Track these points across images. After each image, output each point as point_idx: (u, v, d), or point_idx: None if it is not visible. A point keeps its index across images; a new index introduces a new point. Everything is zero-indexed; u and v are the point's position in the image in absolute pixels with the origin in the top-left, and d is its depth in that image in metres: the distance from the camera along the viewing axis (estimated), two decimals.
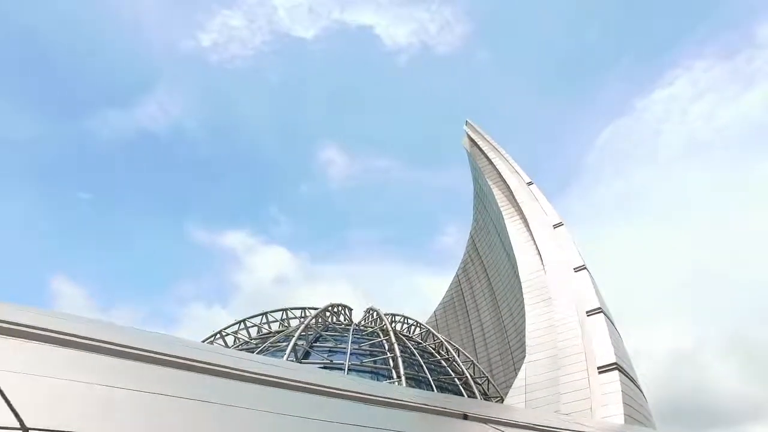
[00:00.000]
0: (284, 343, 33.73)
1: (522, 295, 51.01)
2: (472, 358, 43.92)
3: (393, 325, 44.18)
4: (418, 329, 47.57)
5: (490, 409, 11.64)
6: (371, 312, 47.32)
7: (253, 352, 33.24)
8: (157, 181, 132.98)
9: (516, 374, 51.74)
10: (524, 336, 50.68)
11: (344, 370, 32.15)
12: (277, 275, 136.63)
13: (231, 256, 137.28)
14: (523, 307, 50.53)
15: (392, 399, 6.94)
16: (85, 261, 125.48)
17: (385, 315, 45.82)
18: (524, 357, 50.77)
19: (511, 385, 49.58)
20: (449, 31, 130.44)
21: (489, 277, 58.69)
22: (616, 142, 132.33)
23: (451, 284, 64.34)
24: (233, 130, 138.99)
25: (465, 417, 7.43)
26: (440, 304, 64.28)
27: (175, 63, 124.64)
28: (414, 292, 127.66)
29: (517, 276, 52.37)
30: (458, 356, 40.32)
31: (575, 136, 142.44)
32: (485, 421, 7.47)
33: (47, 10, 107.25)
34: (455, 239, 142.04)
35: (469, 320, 60.34)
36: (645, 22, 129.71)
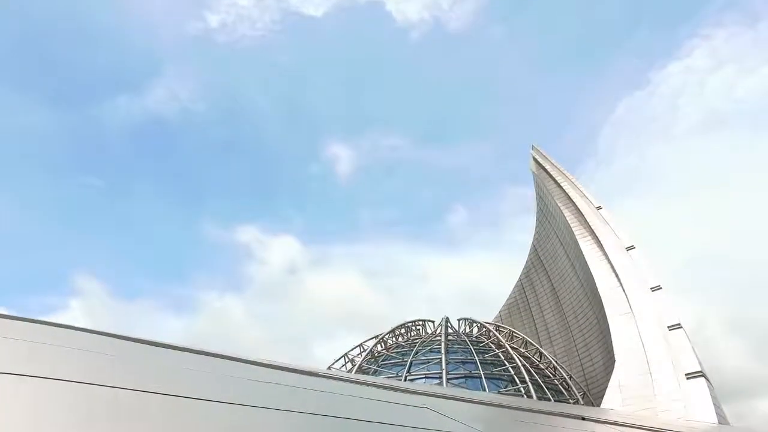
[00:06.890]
0: (428, 357, 41.72)
1: (587, 301, 59.45)
2: (556, 361, 52.11)
3: (485, 330, 52.39)
4: (502, 334, 55.60)
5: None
6: (466, 321, 55.42)
7: (401, 370, 41.23)
8: (165, 166, 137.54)
9: (583, 371, 60.69)
10: (589, 338, 59.47)
11: (481, 378, 40.21)
12: (289, 265, 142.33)
13: (241, 247, 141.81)
14: (588, 313, 59.12)
15: None
16: (99, 249, 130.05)
17: (479, 323, 54.07)
18: (589, 356, 59.75)
19: (578, 379, 58.34)
20: (461, 5, 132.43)
21: (552, 283, 66.85)
22: (631, 116, 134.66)
23: (514, 288, 72.52)
24: (242, 113, 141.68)
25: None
26: (504, 305, 72.51)
27: (183, 45, 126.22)
28: (424, 275, 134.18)
29: (582, 285, 60.55)
30: (551, 361, 48.34)
31: (589, 111, 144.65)
32: None
33: None
34: (464, 220, 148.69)
35: (534, 321, 68.68)
36: None
